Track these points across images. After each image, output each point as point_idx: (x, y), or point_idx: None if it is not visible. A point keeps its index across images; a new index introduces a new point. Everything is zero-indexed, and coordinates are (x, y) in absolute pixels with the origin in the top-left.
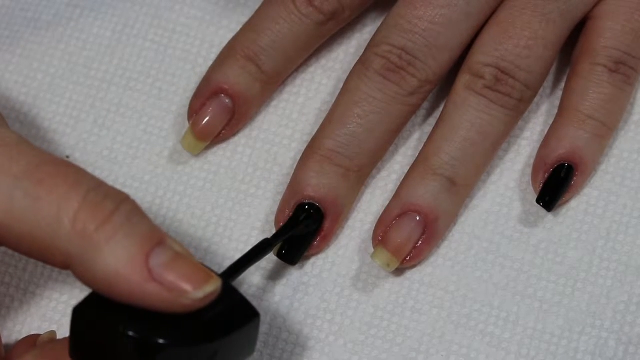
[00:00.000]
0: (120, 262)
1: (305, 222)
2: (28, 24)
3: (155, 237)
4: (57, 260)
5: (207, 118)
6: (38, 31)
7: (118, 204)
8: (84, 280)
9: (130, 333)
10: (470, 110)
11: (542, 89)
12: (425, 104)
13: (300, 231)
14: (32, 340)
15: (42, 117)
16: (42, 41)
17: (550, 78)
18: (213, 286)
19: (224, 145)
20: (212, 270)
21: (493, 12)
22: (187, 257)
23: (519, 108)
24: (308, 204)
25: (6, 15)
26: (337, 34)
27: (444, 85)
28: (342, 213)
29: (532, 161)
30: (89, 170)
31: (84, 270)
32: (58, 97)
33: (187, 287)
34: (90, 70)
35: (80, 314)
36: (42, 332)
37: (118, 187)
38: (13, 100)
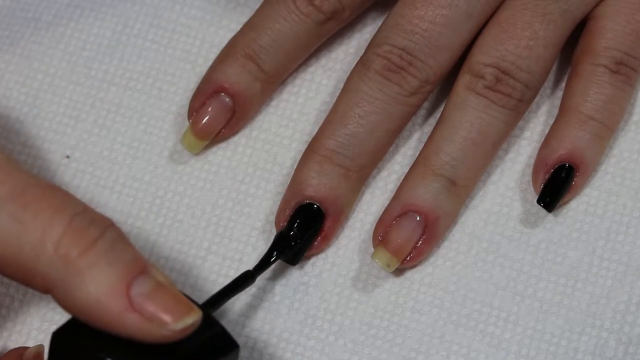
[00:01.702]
0: (101, 290)
1: (284, 252)
2: (28, 24)
3: (138, 266)
4: (38, 284)
5: (207, 117)
6: (38, 31)
7: (102, 231)
8: (64, 306)
9: None
10: (470, 110)
11: (542, 89)
12: (426, 104)
13: (297, 236)
14: (18, 354)
15: (42, 117)
16: (42, 41)
17: (551, 78)
18: (193, 318)
19: (224, 145)
20: (193, 301)
21: (494, 12)
22: (168, 287)
23: (519, 108)
24: (308, 206)
25: (6, 15)
26: (337, 34)
27: (445, 85)
28: (342, 213)
29: (532, 161)
30: (90, 169)
31: (65, 296)
32: (58, 97)
33: (167, 318)
34: (90, 70)
35: (59, 338)
36: (42, 332)
37: (118, 187)
38: (13, 100)
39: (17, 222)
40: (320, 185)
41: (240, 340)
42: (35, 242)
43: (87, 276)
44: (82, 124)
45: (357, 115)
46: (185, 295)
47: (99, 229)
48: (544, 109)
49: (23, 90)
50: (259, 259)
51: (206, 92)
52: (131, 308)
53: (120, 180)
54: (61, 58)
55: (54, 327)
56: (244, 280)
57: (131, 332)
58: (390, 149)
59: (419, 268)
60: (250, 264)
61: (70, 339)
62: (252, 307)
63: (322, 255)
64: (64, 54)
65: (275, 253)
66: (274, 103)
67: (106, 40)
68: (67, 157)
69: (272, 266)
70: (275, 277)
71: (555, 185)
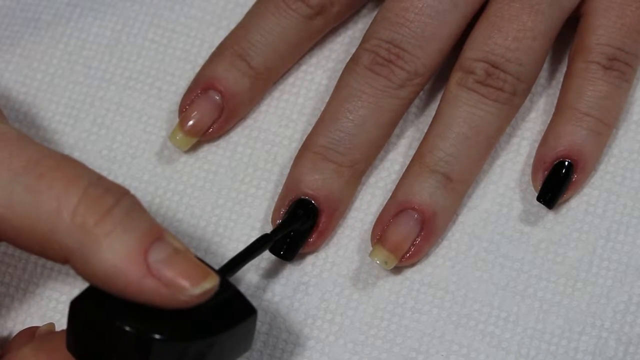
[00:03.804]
0: (118, 257)
1: (304, 217)
2: (28, 24)
3: (154, 232)
4: (56, 254)
5: (195, 113)
6: (38, 31)
7: (118, 199)
8: (83, 274)
9: (127, 328)
10: (462, 106)
11: (542, 89)
12: (426, 104)
13: (298, 226)
14: (30, 332)
15: (42, 116)
16: (42, 41)
17: (550, 78)
18: (211, 283)
19: (224, 145)
20: (210, 267)
21: (482, 3)
22: (185, 253)
23: (512, 102)
24: (306, 200)
25: (6, 15)
26: (338, 35)
27: (443, 85)
28: (337, 209)
29: (532, 161)
30: None
31: (83, 264)
32: (57, 97)
33: (184, 283)
34: (89, 69)
35: (77, 307)
36: None
37: None
38: (13, 100)
39: (33, 193)
40: (312, 182)
41: None
42: (51, 212)
43: (104, 243)
44: (81, 123)
45: (346, 111)
46: (202, 261)
47: (115, 196)
48: (543, 108)
49: (23, 89)
50: (276, 225)
51: (195, 90)
52: (149, 274)
53: (119, 179)
54: (60, 57)
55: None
56: (261, 244)
57: (149, 298)
58: (390, 149)
59: (418, 268)
60: (250, 263)
61: (88, 307)
62: None
63: (322, 255)
64: (64, 53)
65: (300, 211)
66: (274, 103)
67: (105, 39)
68: None
69: (271, 266)
70: (275, 277)
71: (555, 182)
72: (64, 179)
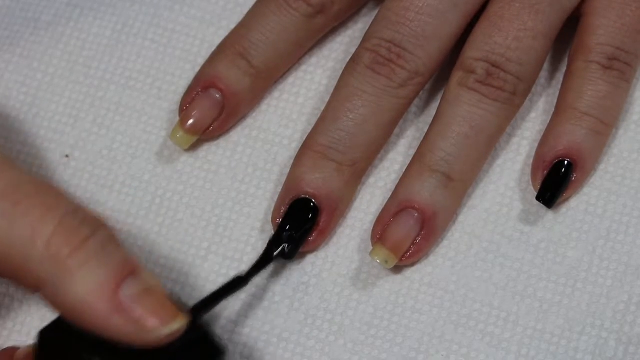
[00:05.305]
0: (89, 290)
1: (278, 256)
2: (28, 24)
3: (128, 267)
4: (28, 283)
5: (195, 112)
6: (38, 31)
7: (94, 230)
8: (52, 304)
9: None
10: (462, 105)
11: (542, 89)
12: (427, 104)
13: (292, 236)
14: (9, 354)
15: (42, 116)
16: (42, 41)
17: (550, 78)
18: (179, 324)
19: (223, 145)
20: (181, 305)
21: (483, 3)
22: (157, 291)
23: (513, 101)
24: (306, 198)
25: (6, 15)
26: (338, 34)
27: (444, 84)
28: (337, 208)
29: (531, 161)
30: (89, 169)
31: (53, 294)
32: (57, 97)
33: (152, 322)
34: (89, 69)
35: (45, 337)
36: None
37: (118, 186)
38: (13, 100)
39: (8, 219)
40: (313, 181)
41: (240, 340)
42: (25, 240)
43: (76, 276)
44: (81, 123)
45: (347, 110)
46: (175, 298)
47: (91, 228)
48: (543, 108)
49: (23, 89)
50: (254, 262)
51: (196, 88)
52: (117, 310)
53: (119, 179)
54: (61, 57)
55: None
56: (234, 285)
57: (116, 334)
58: (391, 148)
59: (418, 268)
60: (250, 264)
61: (56, 338)
62: (252, 307)
63: (322, 255)
64: (64, 53)
65: (269, 257)
66: (274, 103)
67: (106, 39)
68: (67, 156)
69: (271, 266)
70: (275, 277)
71: (555, 181)
72: (40, 207)
